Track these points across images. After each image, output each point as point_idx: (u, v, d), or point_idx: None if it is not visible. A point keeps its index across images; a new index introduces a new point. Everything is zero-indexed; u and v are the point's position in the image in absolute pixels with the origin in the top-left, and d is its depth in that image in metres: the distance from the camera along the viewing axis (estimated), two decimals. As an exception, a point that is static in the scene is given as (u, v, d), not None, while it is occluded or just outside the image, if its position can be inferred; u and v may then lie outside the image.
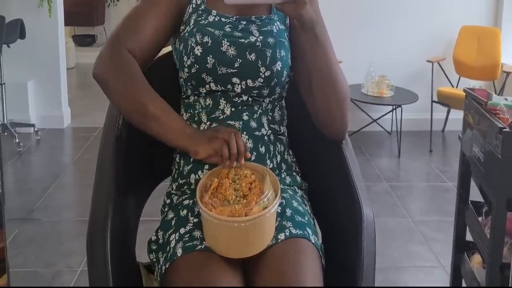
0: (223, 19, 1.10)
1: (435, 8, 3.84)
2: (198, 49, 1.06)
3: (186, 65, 1.08)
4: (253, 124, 1.09)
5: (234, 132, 1.01)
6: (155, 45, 1.11)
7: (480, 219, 1.56)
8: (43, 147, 3.53)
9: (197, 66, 1.07)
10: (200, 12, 1.10)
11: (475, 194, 1.67)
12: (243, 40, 1.07)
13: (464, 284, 1.70)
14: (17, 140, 3.36)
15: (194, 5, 1.11)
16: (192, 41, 1.07)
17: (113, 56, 1.05)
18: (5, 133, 3.40)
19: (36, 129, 3.61)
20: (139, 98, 1.02)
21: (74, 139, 3.74)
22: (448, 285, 1.83)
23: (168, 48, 1.19)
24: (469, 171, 1.63)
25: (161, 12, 1.09)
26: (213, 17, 1.09)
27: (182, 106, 1.15)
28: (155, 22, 1.09)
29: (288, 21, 1.15)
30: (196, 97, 1.12)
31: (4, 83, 3.48)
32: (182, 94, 1.16)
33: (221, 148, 0.98)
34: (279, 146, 1.13)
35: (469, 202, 1.67)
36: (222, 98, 1.09)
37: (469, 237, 1.67)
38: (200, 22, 1.09)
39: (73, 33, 6.51)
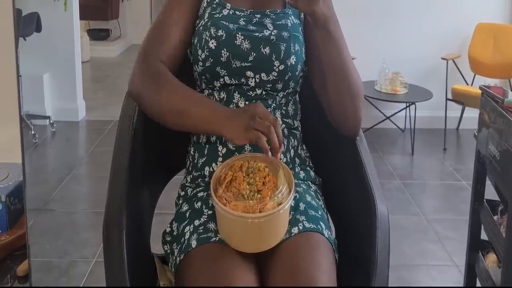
0: (237, 13, 1.10)
1: (450, 5, 3.79)
2: (212, 43, 1.06)
3: (200, 59, 1.08)
4: (267, 118, 1.09)
5: (272, 124, 0.96)
6: (183, 46, 1.11)
7: (495, 218, 1.55)
8: (58, 139, 3.57)
9: (212, 60, 1.07)
10: (215, 5, 1.11)
11: (490, 193, 1.65)
12: (257, 34, 1.08)
13: (478, 283, 1.69)
14: (32, 132, 3.39)
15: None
16: (206, 35, 1.07)
17: (145, 70, 1.06)
18: (21, 125, 3.43)
19: (51, 121, 3.65)
20: (178, 105, 1.02)
21: (89, 132, 3.77)
22: (461, 283, 1.82)
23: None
24: (484, 169, 1.61)
25: (184, 10, 1.10)
26: (228, 11, 1.10)
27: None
28: (180, 23, 1.09)
29: (302, 16, 1.14)
30: (210, 91, 1.12)
31: (20, 76, 3.51)
32: (197, 88, 1.16)
33: (258, 139, 0.94)
34: (292, 140, 1.13)
35: (484, 200, 1.66)
36: (236, 92, 1.09)
37: (483, 235, 1.66)
38: (215, 16, 1.09)
39: (87, 27, 6.55)
